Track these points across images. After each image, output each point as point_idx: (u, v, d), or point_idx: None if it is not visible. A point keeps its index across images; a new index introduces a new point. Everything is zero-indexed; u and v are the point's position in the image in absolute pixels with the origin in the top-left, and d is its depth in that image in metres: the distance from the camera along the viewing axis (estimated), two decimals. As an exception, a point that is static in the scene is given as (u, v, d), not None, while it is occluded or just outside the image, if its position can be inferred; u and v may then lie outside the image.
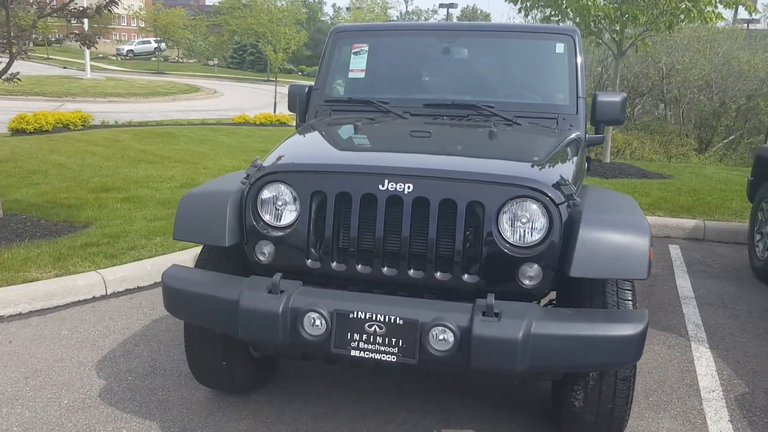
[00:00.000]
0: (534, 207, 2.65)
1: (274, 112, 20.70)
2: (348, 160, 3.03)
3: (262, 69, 51.61)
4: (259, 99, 29.53)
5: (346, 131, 3.62)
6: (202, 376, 3.30)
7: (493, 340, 2.43)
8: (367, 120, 3.72)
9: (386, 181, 2.74)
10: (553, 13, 9.80)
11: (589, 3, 8.55)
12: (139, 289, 4.92)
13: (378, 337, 2.56)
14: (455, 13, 60.20)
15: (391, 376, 3.60)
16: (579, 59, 3.97)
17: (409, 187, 2.71)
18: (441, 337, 2.49)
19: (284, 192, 2.88)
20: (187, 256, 5.29)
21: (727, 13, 28.83)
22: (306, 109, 4.23)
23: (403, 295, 2.76)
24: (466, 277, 2.69)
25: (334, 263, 2.81)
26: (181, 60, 60.19)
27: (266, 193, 2.90)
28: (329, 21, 63.20)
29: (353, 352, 2.58)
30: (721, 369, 3.92)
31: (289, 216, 2.87)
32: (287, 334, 2.62)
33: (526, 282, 2.66)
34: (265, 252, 2.89)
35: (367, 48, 4.19)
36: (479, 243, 2.66)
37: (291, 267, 2.85)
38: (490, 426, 3.20)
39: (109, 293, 4.78)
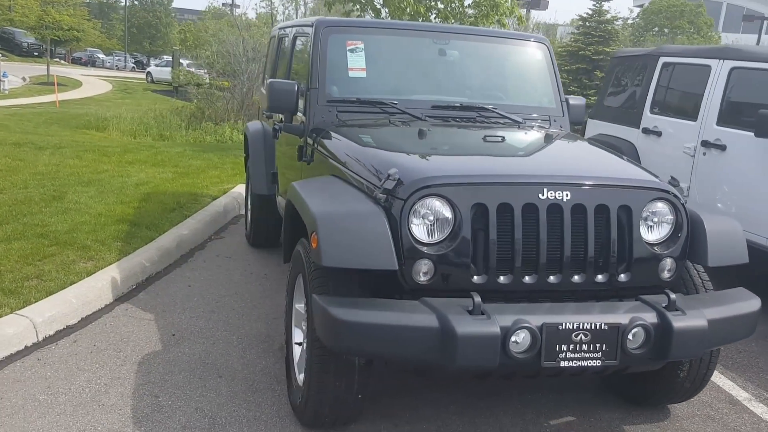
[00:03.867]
0: (666, 207, 2.97)
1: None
2: (503, 170, 2.98)
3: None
4: None
5: (430, 137, 3.52)
6: (319, 414, 2.94)
7: (689, 331, 2.70)
8: (422, 124, 3.67)
9: (545, 190, 2.80)
10: (355, 8, 10.04)
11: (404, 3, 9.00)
12: (70, 328, 3.98)
13: (584, 345, 2.63)
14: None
15: (468, 386, 3.58)
16: (555, 65, 4.36)
17: (567, 195, 2.81)
18: (636, 336, 2.68)
19: (439, 206, 2.73)
20: (107, 276, 4.41)
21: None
22: (295, 109, 3.90)
23: (569, 301, 2.85)
24: (621, 277, 2.89)
25: (502, 277, 2.77)
26: None
27: (422, 209, 2.71)
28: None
29: (563, 363, 2.62)
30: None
31: (446, 231, 2.73)
32: (498, 355, 2.54)
33: (665, 276, 2.97)
34: (426, 272, 2.71)
35: (362, 46, 4.00)
36: (628, 244, 2.89)
37: (454, 285, 2.74)
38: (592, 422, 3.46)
39: (41, 339, 3.78)
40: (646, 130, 6.22)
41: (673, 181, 3.10)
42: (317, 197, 2.94)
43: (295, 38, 4.65)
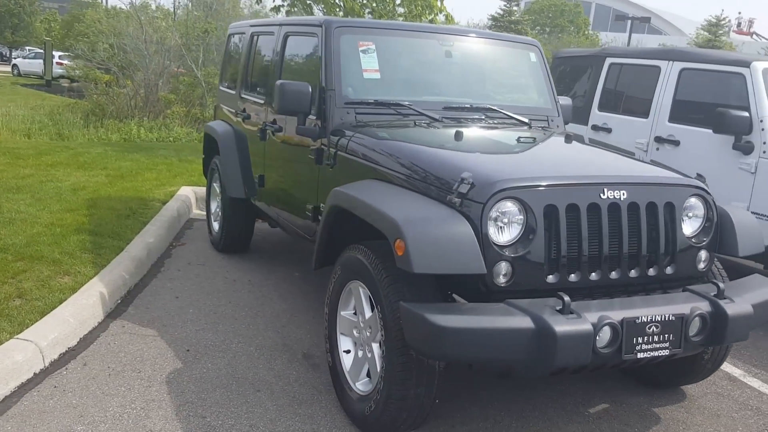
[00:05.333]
0: (699, 202, 3.19)
1: None
2: (568, 172, 3.07)
3: None
4: None
5: (468, 138, 3.54)
6: (396, 422, 2.90)
7: (740, 317, 2.92)
8: (446, 125, 3.70)
9: (606, 190, 2.93)
10: (284, 3, 9.83)
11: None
12: (73, 350, 3.68)
13: (655, 336, 2.78)
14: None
15: (500, 383, 3.64)
16: (547, 67, 4.53)
17: (624, 194, 2.96)
18: (694, 324, 2.87)
19: (514, 209, 2.79)
20: (94, 292, 4.10)
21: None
22: (309, 111, 3.82)
23: (622, 295, 2.99)
24: (668, 270, 3.08)
25: (572, 275, 2.87)
26: None
27: (499, 212, 2.76)
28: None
29: (639, 355, 2.76)
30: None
31: (521, 233, 2.80)
32: (591, 352, 2.63)
33: (701, 267, 3.20)
34: (505, 274, 2.76)
35: (374, 47, 3.96)
36: (673, 238, 3.08)
37: (529, 285, 2.81)
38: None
39: (47, 364, 3.47)
40: (595, 127, 6.57)
41: (700, 178, 3.33)
42: (386, 203, 2.90)
43: (287, 37, 4.51)
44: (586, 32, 30.77)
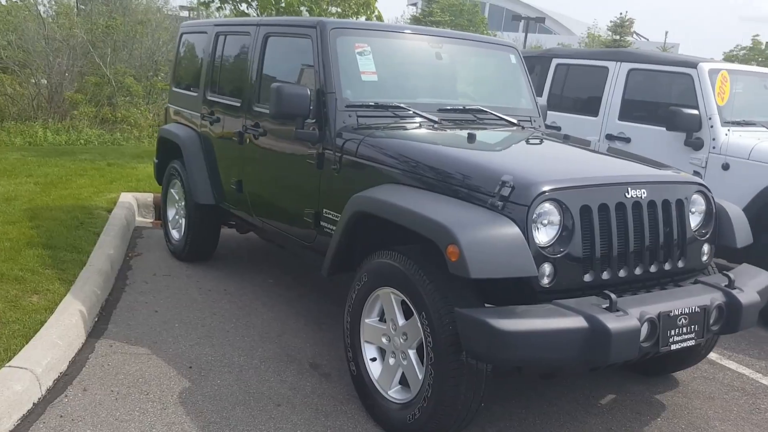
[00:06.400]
0: (701, 198, 3.38)
1: None
2: (598, 173, 3.17)
3: None
4: None
5: (483, 141, 3.56)
6: (443, 428, 2.89)
7: (752, 305, 3.12)
8: (449, 127, 3.72)
9: (630, 189, 3.05)
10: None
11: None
12: (66, 375, 3.40)
13: (684, 327, 2.92)
14: None
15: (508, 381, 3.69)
16: (526, 69, 4.65)
17: (644, 193, 3.09)
18: (714, 314, 3.04)
19: (554, 210, 2.86)
20: (73, 311, 3.81)
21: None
22: (308, 114, 3.73)
23: (642, 291, 3.12)
24: (679, 263, 3.24)
25: (604, 273, 2.96)
26: None
27: (542, 214, 2.82)
28: None
29: (673, 346, 2.89)
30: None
31: (561, 234, 2.86)
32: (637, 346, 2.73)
33: (705, 259, 3.39)
34: (548, 275, 2.82)
35: (369, 49, 3.91)
36: (683, 233, 3.25)
37: (568, 285, 2.88)
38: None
39: (44, 392, 3.19)
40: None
41: (697, 176, 3.53)
42: (426, 207, 2.88)
43: (267, 38, 4.36)
44: (485, 32, 31.72)
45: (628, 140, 5.97)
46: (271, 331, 4.15)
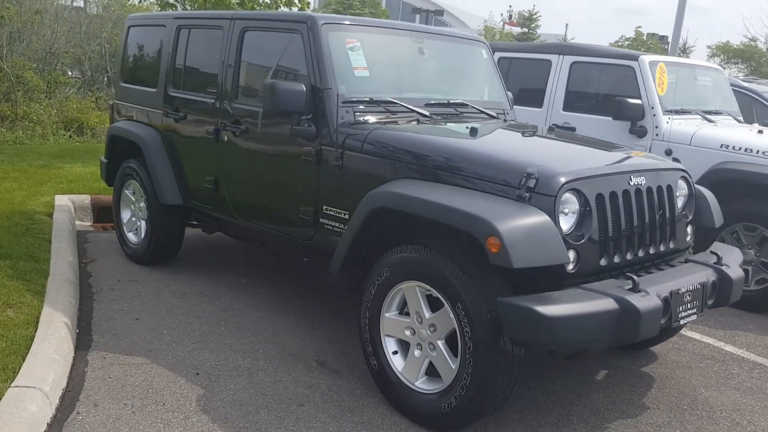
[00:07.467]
0: (684, 183, 3.65)
1: None
2: (606, 163, 3.34)
3: None
4: None
5: (486, 134, 3.64)
6: (481, 413, 2.97)
7: (740, 280, 3.41)
8: (442, 121, 3.82)
9: (632, 177, 3.26)
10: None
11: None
12: (70, 392, 3.21)
13: (688, 303, 3.16)
14: None
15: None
16: (495, 63, 4.79)
17: (643, 180, 3.32)
18: (708, 290, 3.30)
19: (575, 200, 3.01)
20: (58, 324, 3.59)
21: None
22: (304, 111, 3.70)
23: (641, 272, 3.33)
24: (671, 244, 3.49)
25: (616, 256, 3.15)
26: None
27: (566, 203, 2.96)
28: None
29: (682, 321, 3.12)
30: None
31: (581, 221, 3.02)
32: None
33: (688, 239, 3.67)
34: (573, 261, 2.96)
35: (359, 44, 3.91)
36: (674, 216, 3.50)
37: (587, 270, 3.04)
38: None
39: (54, 411, 3.00)
40: (488, 117, 7.01)
41: (677, 162, 3.80)
42: (457, 201, 2.94)
43: (244, 32, 4.25)
44: (387, 23, 32.07)
45: (573, 130, 6.27)
46: (265, 332, 4.08)
